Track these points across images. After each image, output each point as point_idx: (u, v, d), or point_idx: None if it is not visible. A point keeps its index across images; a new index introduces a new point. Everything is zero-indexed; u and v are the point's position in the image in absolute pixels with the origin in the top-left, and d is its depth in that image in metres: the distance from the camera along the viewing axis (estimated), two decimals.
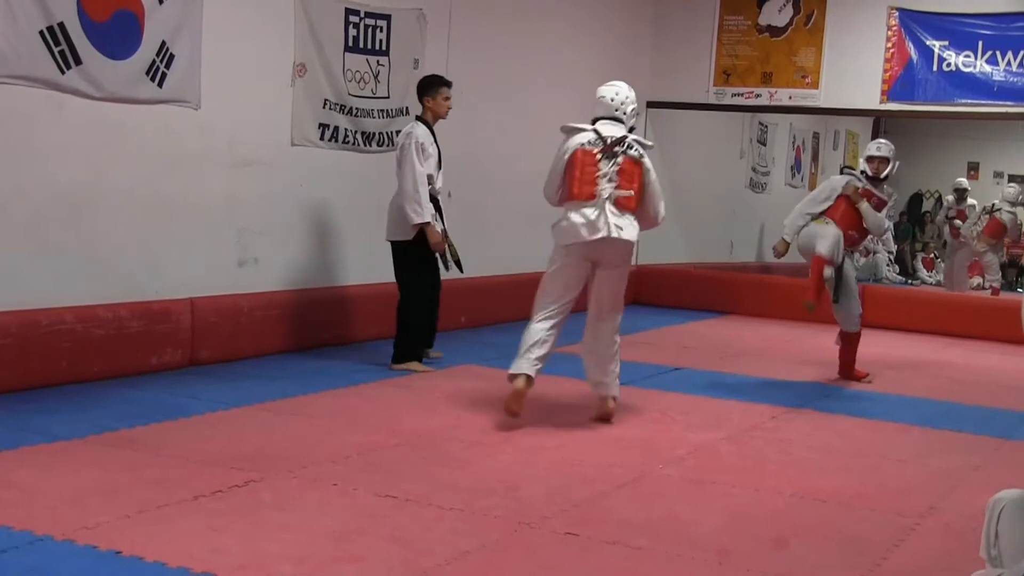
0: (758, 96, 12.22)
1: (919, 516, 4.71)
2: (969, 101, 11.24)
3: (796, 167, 17.27)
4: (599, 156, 5.87)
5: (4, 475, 4.46)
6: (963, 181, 16.82)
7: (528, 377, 5.84)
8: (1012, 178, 20.29)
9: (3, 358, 5.86)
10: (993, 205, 15.00)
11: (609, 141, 5.90)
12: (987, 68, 11.12)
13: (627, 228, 5.88)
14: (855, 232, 7.88)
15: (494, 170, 9.91)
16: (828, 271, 7.73)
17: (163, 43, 6.73)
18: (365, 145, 8.40)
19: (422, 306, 7.42)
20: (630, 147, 5.96)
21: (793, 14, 11.99)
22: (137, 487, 4.40)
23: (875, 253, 17.71)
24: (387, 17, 8.54)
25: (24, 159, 6.09)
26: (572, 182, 5.88)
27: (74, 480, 4.46)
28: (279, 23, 7.67)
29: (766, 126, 15.73)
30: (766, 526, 4.45)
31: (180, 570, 3.54)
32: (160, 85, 6.76)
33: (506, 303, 10.04)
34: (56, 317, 6.18)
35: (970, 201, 16.01)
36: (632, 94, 6.16)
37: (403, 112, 8.67)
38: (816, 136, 17.88)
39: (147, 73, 6.67)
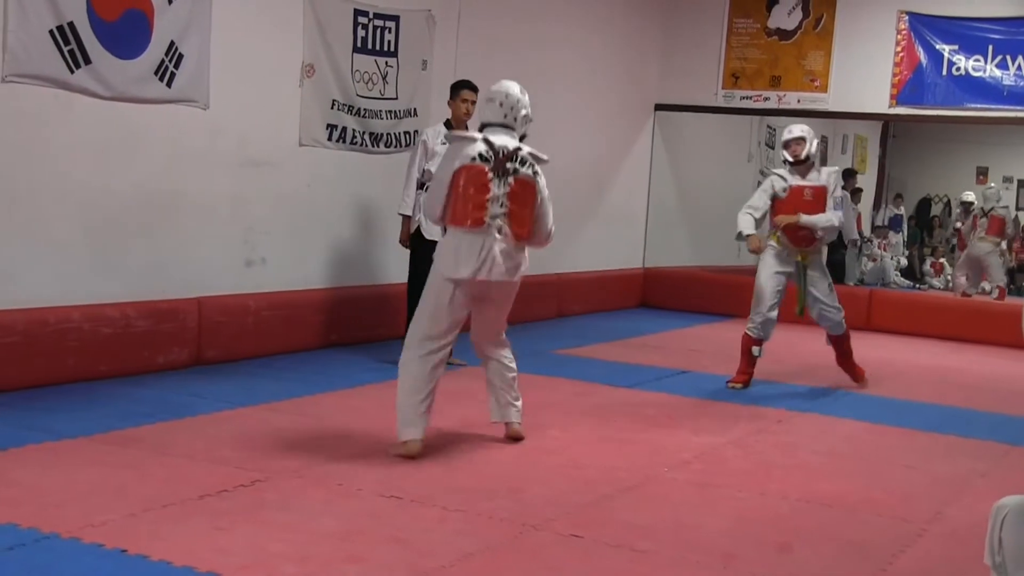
0: (767, 99, 12.21)
1: (925, 522, 4.70)
2: (978, 105, 11.22)
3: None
4: (490, 175, 5.23)
5: (10, 473, 4.48)
6: (970, 194, 16.78)
7: (421, 440, 5.20)
8: (1022, 183, 20.27)
9: (10, 356, 5.88)
10: (983, 208, 15.13)
11: (501, 155, 5.26)
12: (997, 72, 11.09)
13: (517, 265, 5.35)
14: (804, 231, 7.49)
15: None
16: (756, 350, 7.52)
17: (172, 43, 6.75)
18: (373, 146, 8.41)
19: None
20: (523, 162, 5.32)
21: (802, 17, 11.98)
22: (143, 486, 4.41)
23: (882, 258, 17.71)
24: (396, 18, 8.55)
25: (33, 158, 6.11)
26: (457, 204, 5.24)
27: (80, 478, 4.46)
28: (288, 23, 7.68)
29: (774, 129, 15.70)
30: (771, 530, 4.44)
31: (185, 569, 3.55)
32: (169, 85, 6.78)
33: (514, 305, 10.05)
34: (63, 315, 6.20)
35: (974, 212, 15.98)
36: (525, 98, 5.47)
37: (411, 113, 8.68)
38: (824, 140, 17.84)
39: (156, 73, 6.68)
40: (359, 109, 8.29)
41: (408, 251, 7.51)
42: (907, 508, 4.90)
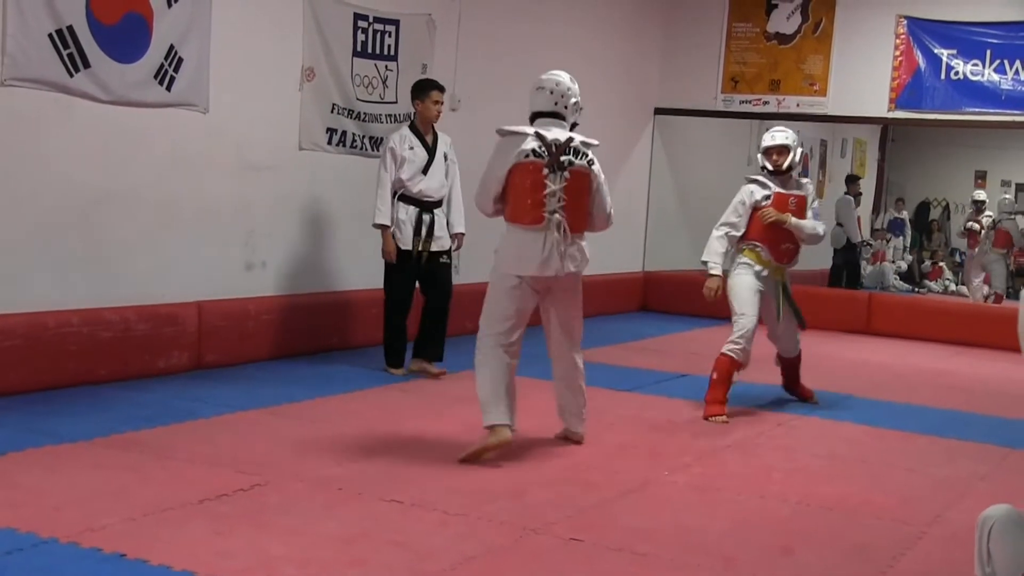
0: (766, 103, 12.22)
1: (925, 525, 4.70)
2: (977, 110, 11.23)
3: (803, 174, 17.23)
4: (545, 171, 5.25)
5: (10, 477, 4.47)
6: (981, 193, 16.81)
7: (510, 428, 5.28)
8: (1020, 187, 20.28)
9: (10, 360, 5.88)
10: (995, 219, 15.26)
11: (555, 148, 5.27)
12: (995, 77, 11.10)
13: (579, 258, 5.42)
14: (789, 244, 6.91)
15: None
16: (735, 376, 6.80)
17: (171, 47, 6.75)
18: (373, 150, 8.40)
19: (397, 311, 7.37)
20: (577, 153, 5.34)
21: (801, 22, 11.99)
22: (143, 490, 4.41)
23: (882, 262, 17.74)
24: (396, 22, 8.55)
25: (33, 162, 6.11)
26: (516, 203, 5.30)
27: (80, 482, 4.46)
28: (288, 27, 7.68)
29: None
30: (771, 534, 4.44)
31: (185, 573, 3.54)
32: (168, 89, 6.78)
33: None
34: (63, 319, 6.19)
35: (987, 212, 16.05)
36: (575, 86, 5.45)
37: (411, 117, 8.67)
38: (824, 144, 17.86)
39: (155, 76, 6.68)
40: (359, 113, 8.29)
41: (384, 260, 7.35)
42: (907, 511, 4.90)
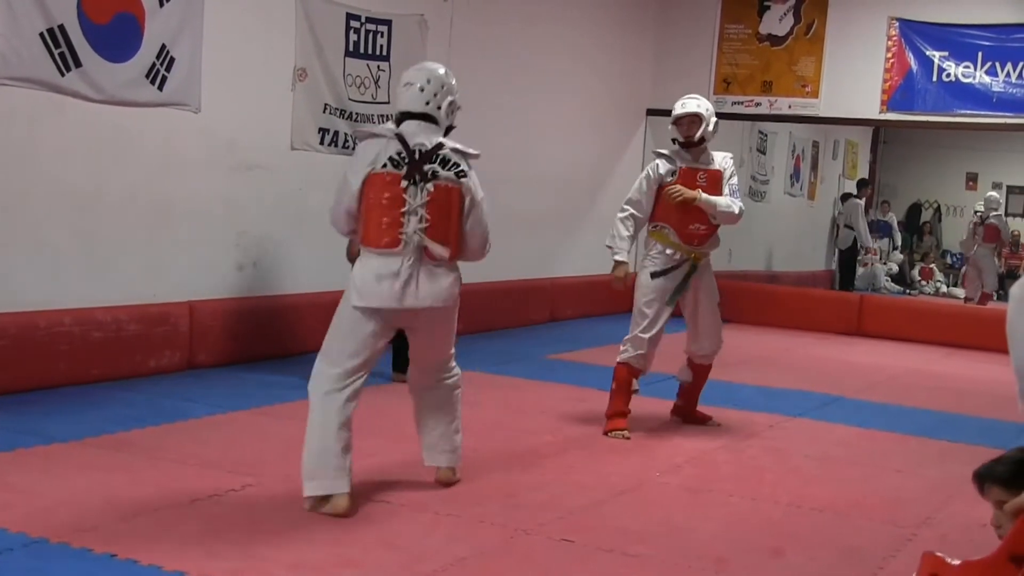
0: (758, 105, 12.23)
1: (915, 526, 4.71)
2: (968, 112, 11.26)
3: (795, 176, 17.28)
4: (404, 183, 4.35)
5: (0, 477, 4.46)
6: (995, 195, 16.84)
7: (350, 494, 4.31)
8: (1011, 189, 20.35)
9: (1, 360, 5.86)
10: (983, 215, 15.45)
11: (417, 157, 4.39)
12: (986, 79, 11.13)
13: (445, 288, 4.46)
14: (699, 224, 6.13)
15: (494, 176, 9.85)
16: (635, 383, 6.19)
17: (163, 46, 6.73)
18: None
19: None
20: (445, 163, 4.44)
21: (794, 23, 12.01)
22: (134, 490, 4.39)
23: (873, 264, 17.78)
24: (388, 22, 8.55)
25: (24, 161, 6.09)
26: (369, 221, 4.39)
27: (70, 483, 4.45)
28: (280, 27, 7.67)
29: (766, 135, 15.73)
30: (763, 535, 4.45)
31: (176, 573, 3.54)
32: (160, 88, 6.77)
33: (506, 310, 10.06)
34: (54, 319, 6.18)
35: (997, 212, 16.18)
36: (453, 81, 4.59)
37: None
38: (816, 145, 17.89)
39: (147, 76, 6.67)
40: (351, 113, 8.29)
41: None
42: (898, 513, 4.91)
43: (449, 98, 4.54)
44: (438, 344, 4.63)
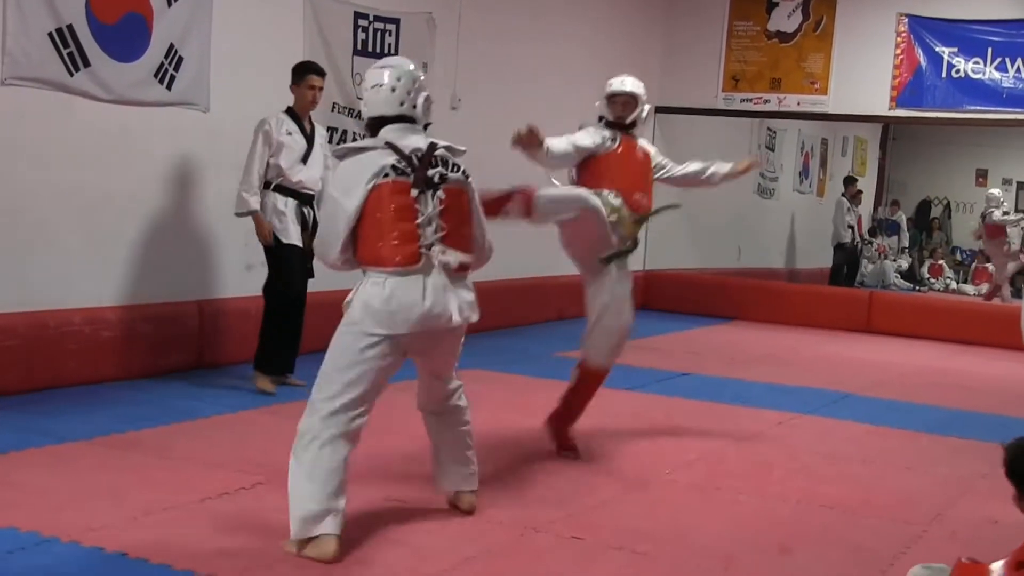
0: (767, 102, 12.21)
1: (926, 524, 4.70)
2: (978, 108, 11.23)
3: (804, 173, 17.26)
4: (414, 191, 3.98)
5: (11, 476, 4.47)
6: (994, 193, 16.91)
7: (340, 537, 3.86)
8: (1021, 185, 20.29)
9: (11, 359, 5.87)
10: (983, 213, 15.91)
11: (418, 162, 4.01)
12: (996, 75, 11.10)
13: (470, 301, 4.16)
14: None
15: (502, 173, 9.89)
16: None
17: (171, 46, 6.74)
18: None
19: (269, 318, 6.61)
20: (447, 164, 4.10)
21: (802, 20, 11.99)
22: (143, 489, 4.40)
23: (884, 260, 17.76)
24: (396, 21, 8.55)
25: (33, 161, 6.11)
26: (377, 239, 3.96)
27: (81, 482, 4.46)
28: (288, 26, 7.68)
29: (775, 132, 15.71)
30: (772, 533, 4.44)
31: (186, 572, 3.55)
32: (169, 88, 6.78)
33: (514, 308, 10.05)
34: (64, 319, 6.19)
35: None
36: (420, 75, 4.18)
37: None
38: (824, 142, 17.86)
39: (156, 76, 6.68)
40: (359, 112, 8.27)
41: (268, 254, 6.62)
42: (908, 510, 4.90)
43: (423, 94, 4.12)
44: (451, 362, 4.29)
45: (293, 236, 6.51)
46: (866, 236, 17.63)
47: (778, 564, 4.07)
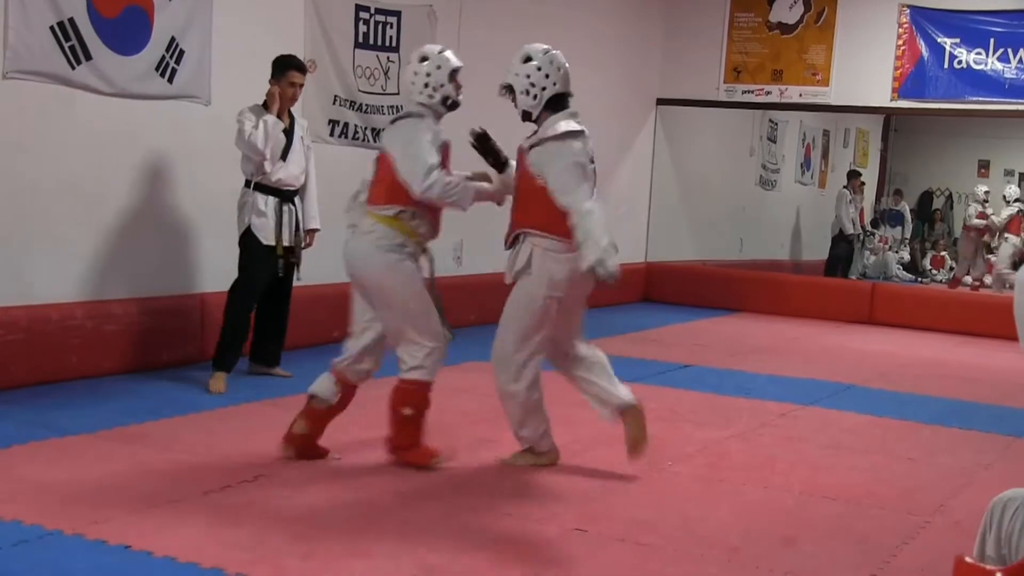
0: (768, 93, 12.20)
1: (929, 514, 4.70)
2: (980, 99, 11.22)
3: (806, 164, 17.26)
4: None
5: (14, 469, 4.48)
6: (979, 189, 16.95)
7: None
8: (1023, 176, 20.27)
9: (14, 353, 5.88)
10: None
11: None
12: (998, 66, 11.09)
13: None
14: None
15: None
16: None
17: (173, 39, 6.74)
18: (375, 141, 8.39)
19: (245, 308, 6.56)
20: None
21: (804, 11, 11.97)
22: (147, 482, 4.41)
23: (885, 251, 17.75)
24: (397, 13, 8.54)
25: (35, 154, 6.11)
26: (554, 208, 5.01)
27: (84, 475, 4.47)
28: (289, 19, 7.67)
29: (776, 123, 15.70)
30: (775, 524, 4.45)
31: (189, 565, 3.55)
32: (170, 81, 6.78)
33: None
34: (66, 312, 6.20)
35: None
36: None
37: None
38: (826, 133, 17.84)
39: (157, 69, 6.68)
40: (361, 104, 8.29)
41: (244, 245, 6.58)
42: (910, 501, 4.90)
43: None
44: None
45: (271, 238, 6.47)
46: (868, 227, 17.62)
47: (782, 555, 4.08)
